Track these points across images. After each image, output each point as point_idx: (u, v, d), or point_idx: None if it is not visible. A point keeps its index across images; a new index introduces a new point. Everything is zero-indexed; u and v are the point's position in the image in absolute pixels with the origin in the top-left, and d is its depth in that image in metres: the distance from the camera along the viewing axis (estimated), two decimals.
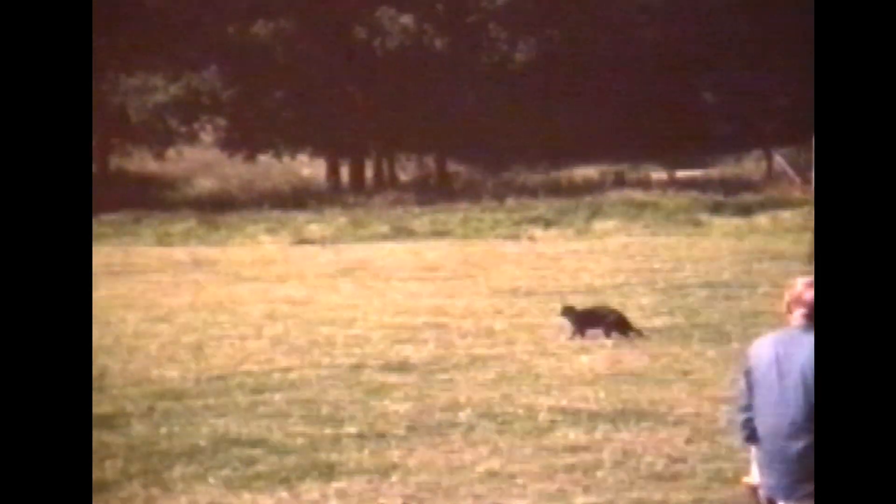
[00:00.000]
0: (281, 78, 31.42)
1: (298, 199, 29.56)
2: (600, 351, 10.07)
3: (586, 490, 6.23)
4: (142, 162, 33.19)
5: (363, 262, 18.51)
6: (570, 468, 6.56)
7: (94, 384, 8.93)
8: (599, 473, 6.49)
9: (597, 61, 30.78)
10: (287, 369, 9.40)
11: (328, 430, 7.36)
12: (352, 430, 7.38)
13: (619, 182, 30.45)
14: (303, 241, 23.67)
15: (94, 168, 32.99)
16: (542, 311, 12.29)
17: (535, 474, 6.48)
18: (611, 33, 31.43)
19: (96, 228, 25.46)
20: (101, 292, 15.05)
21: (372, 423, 7.57)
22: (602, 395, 8.31)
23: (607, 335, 10.46)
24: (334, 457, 6.81)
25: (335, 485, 6.35)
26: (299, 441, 7.13)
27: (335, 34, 31.52)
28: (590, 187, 29.33)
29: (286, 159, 33.67)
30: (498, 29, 31.56)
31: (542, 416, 7.68)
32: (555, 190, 28.91)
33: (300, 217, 26.56)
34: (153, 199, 30.25)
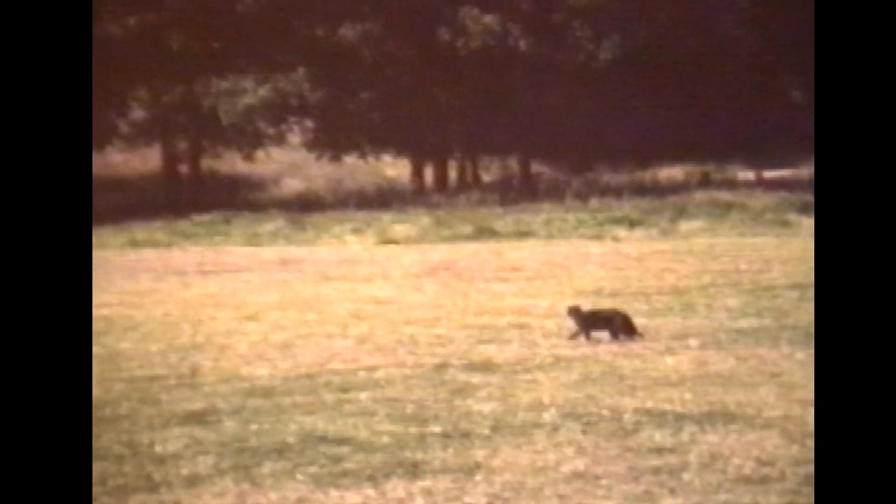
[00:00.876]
0: (367, 79, 31.68)
1: (383, 199, 29.79)
2: (686, 352, 10.00)
3: (673, 492, 6.20)
4: (232, 163, 33.74)
5: (447, 263, 18.59)
6: (656, 470, 6.53)
7: (187, 381, 9.16)
8: (686, 476, 6.45)
9: (682, 59, 30.45)
10: (372, 368, 9.50)
11: (413, 429, 7.43)
12: (436, 429, 7.44)
13: (705, 182, 30.08)
14: (387, 241, 23.86)
15: (187, 170, 33.73)
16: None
17: (620, 476, 6.46)
18: (697, 31, 31.07)
19: (190, 228, 26.14)
20: (194, 291, 15.36)
21: (456, 422, 7.62)
22: (688, 396, 8.26)
23: (615, 337, 10.39)
24: (419, 455, 6.87)
25: (420, 483, 6.40)
26: (385, 439, 7.20)
27: (419, 36, 31.67)
28: (675, 187, 29.05)
29: (371, 160, 33.95)
30: (583, 27, 31.39)
31: (627, 418, 7.66)
32: (639, 190, 28.70)
33: (385, 217, 26.76)
34: (243, 199, 30.78)
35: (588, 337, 10.38)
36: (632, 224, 23.90)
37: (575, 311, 10.58)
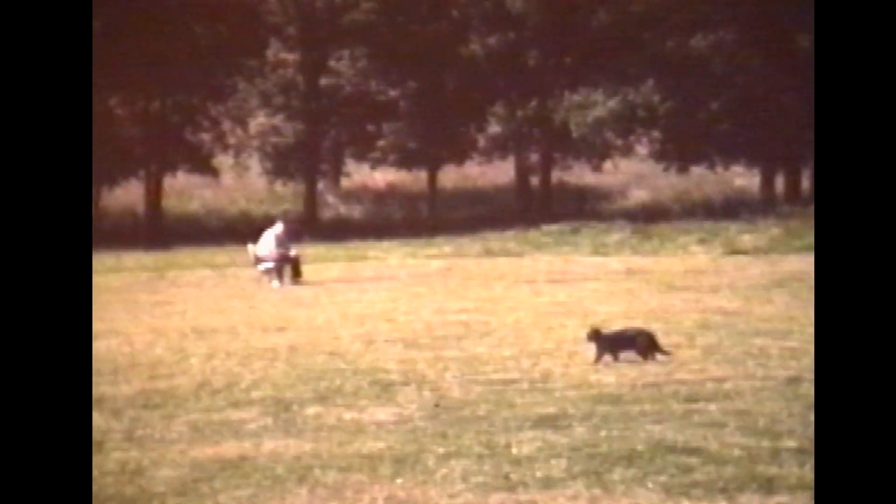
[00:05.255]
0: (717, 89, 31.19)
1: (730, 209, 29.22)
2: None
3: None
4: (580, 174, 34.29)
5: (799, 274, 17.98)
6: None
7: (538, 386, 9.47)
8: None
9: None
10: (721, 379, 9.41)
11: (766, 443, 7.32)
12: (791, 444, 7.28)
13: None
14: (735, 251, 23.39)
15: (538, 181, 34.67)
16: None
17: None
18: None
19: (539, 238, 26.82)
20: (543, 299, 15.78)
21: (813, 438, 7.42)
22: None
23: (644, 357, 10.14)
24: (774, 470, 6.76)
25: (777, 498, 6.30)
26: (736, 452, 7.14)
27: (776, 43, 30.81)
28: None
29: (719, 170, 33.37)
30: None
31: None
32: None
33: (732, 228, 26.24)
34: (590, 210, 31.21)
35: (616, 358, 10.25)
36: None
37: (595, 335, 10.43)
